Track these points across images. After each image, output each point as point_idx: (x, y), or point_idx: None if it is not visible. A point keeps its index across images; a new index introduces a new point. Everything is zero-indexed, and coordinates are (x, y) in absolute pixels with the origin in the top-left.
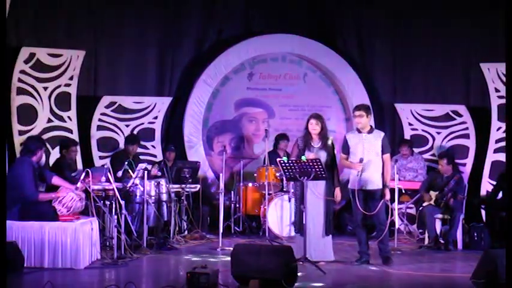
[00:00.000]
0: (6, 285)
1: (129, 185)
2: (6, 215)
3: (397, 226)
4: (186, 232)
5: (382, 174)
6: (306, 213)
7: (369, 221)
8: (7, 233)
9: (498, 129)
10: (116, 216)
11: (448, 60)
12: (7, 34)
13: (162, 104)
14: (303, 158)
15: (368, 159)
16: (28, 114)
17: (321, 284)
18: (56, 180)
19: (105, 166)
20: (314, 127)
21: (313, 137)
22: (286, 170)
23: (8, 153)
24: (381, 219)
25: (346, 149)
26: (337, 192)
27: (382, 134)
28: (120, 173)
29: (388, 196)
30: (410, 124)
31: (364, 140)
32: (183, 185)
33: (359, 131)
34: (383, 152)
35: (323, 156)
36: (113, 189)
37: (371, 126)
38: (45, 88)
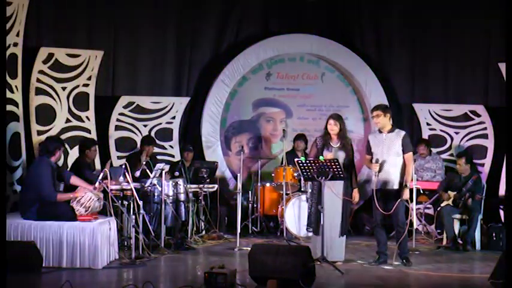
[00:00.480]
0: (6, 285)
1: (147, 185)
2: (6, 214)
3: (415, 226)
4: (203, 232)
5: (404, 174)
6: (324, 213)
7: (388, 221)
8: (26, 233)
9: None
10: (134, 216)
11: (466, 60)
12: (26, 34)
13: (180, 104)
14: (321, 158)
15: (387, 159)
16: (46, 114)
17: (338, 284)
18: (74, 180)
19: (123, 166)
20: (332, 127)
21: (332, 137)
22: (303, 170)
23: (27, 154)
24: (399, 220)
25: (369, 149)
26: (355, 193)
27: (403, 133)
28: (138, 173)
29: (406, 196)
30: (428, 124)
31: (384, 140)
32: (201, 185)
33: (380, 131)
34: (404, 152)
35: (341, 156)
36: (131, 189)
37: (392, 125)
38: (64, 88)
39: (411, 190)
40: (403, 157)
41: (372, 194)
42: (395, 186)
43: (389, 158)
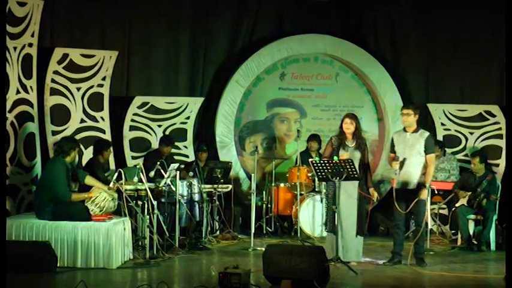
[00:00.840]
0: (6, 285)
1: (161, 185)
2: (6, 214)
3: (429, 227)
4: (218, 232)
5: (424, 174)
6: (338, 213)
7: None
8: (40, 233)
9: None
10: (148, 216)
11: (481, 60)
12: (41, 35)
13: (194, 104)
14: (335, 158)
15: (409, 158)
16: (61, 115)
17: (353, 285)
18: (89, 180)
19: (137, 166)
20: (348, 126)
21: (347, 136)
22: (318, 170)
23: (42, 154)
24: (419, 219)
25: (392, 148)
26: (372, 191)
27: (427, 134)
28: (152, 173)
29: (423, 196)
30: (443, 124)
31: (408, 140)
32: (215, 185)
33: (405, 131)
34: (426, 152)
35: (357, 156)
36: (145, 189)
37: (417, 125)
38: (78, 88)
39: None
40: (425, 158)
41: (392, 194)
42: (416, 187)
43: (411, 158)
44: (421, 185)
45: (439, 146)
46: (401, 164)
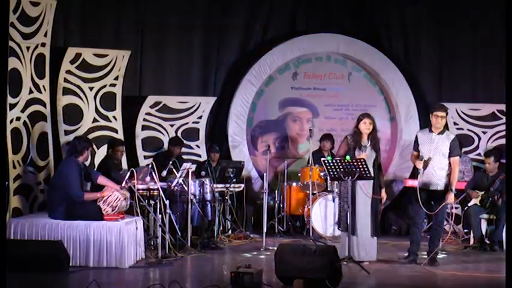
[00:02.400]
0: (6, 285)
1: (174, 184)
2: (6, 214)
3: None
4: (230, 232)
5: (449, 176)
6: (350, 213)
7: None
8: (53, 232)
9: None
10: (160, 216)
11: (494, 59)
12: (54, 35)
13: (207, 103)
14: (348, 157)
15: (433, 159)
16: (74, 114)
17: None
18: (101, 180)
19: (149, 165)
20: (368, 126)
21: (363, 136)
22: (330, 170)
23: (54, 153)
24: (438, 219)
25: (416, 146)
26: (383, 193)
27: (453, 136)
28: (164, 173)
29: (450, 200)
30: (455, 124)
31: (433, 140)
32: (227, 185)
33: (431, 131)
34: (451, 155)
35: (373, 156)
36: (158, 189)
37: (444, 127)
38: (91, 88)
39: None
40: (449, 160)
41: (415, 193)
42: (439, 188)
43: (435, 159)
44: (447, 188)
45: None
46: (425, 163)
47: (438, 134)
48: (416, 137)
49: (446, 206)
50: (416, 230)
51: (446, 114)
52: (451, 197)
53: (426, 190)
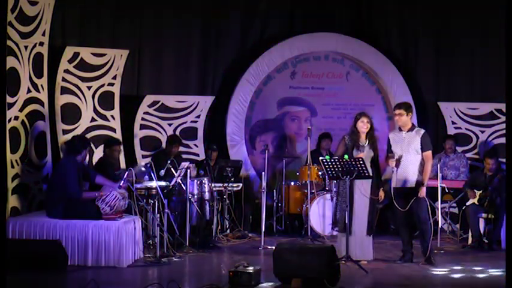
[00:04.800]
0: (6, 285)
1: (172, 183)
2: (6, 214)
3: (440, 225)
4: (228, 231)
5: (422, 172)
6: (349, 212)
7: (410, 219)
8: (51, 232)
9: None
10: (158, 215)
11: (492, 58)
12: (52, 34)
13: (205, 103)
14: (346, 156)
15: (406, 157)
16: (72, 114)
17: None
18: (99, 179)
19: (147, 165)
20: (365, 125)
21: (361, 135)
22: (328, 169)
23: (52, 152)
24: (421, 217)
25: (389, 147)
26: (381, 192)
27: (422, 131)
28: (162, 172)
29: (422, 194)
30: (453, 123)
31: (404, 138)
32: (226, 184)
33: (400, 130)
34: (422, 150)
35: (371, 155)
36: (156, 188)
37: (412, 124)
38: (89, 87)
39: (436, 189)
40: (422, 155)
41: (390, 193)
42: (414, 185)
43: (408, 156)
44: (419, 183)
45: (453, 141)
46: (398, 162)
47: (408, 131)
48: (388, 139)
49: (425, 200)
50: (402, 228)
51: (407, 111)
52: (422, 191)
53: (402, 188)
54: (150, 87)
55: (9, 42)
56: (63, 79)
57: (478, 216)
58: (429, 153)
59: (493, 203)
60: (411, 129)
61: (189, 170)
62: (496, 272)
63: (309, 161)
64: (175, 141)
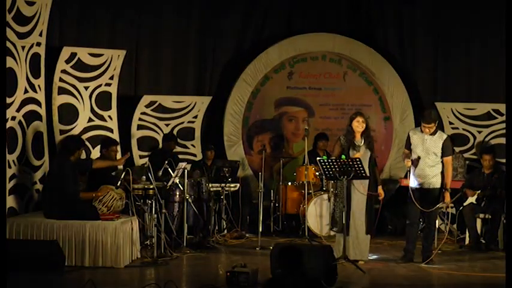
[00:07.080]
0: (6, 285)
1: (169, 184)
2: (6, 214)
3: (437, 226)
4: (225, 231)
5: (442, 175)
6: (347, 212)
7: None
8: (48, 232)
9: None
10: (156, 215)
11: (489, 59)
12: (49, 34)
13: (202, 103)
14: (343, 157)
15: (425, 159)
16: (69, 114)
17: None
18: (97, 163)
19: (145, 165)
20: (360, 124)
21: (356, 135)
22: (325, 169)
23: (49, 153)
24: (431, 219)
25: (407, 144)
26: (380, 190)
27: (445, 136)
28: (160, 172)
29: (447, 199)
30: (451, 123)
31: (425, 140)
32: (223, 184)
33: (422, 131)
34: (443, 155)
35: (367, 155)
36: (153, 188)
37: (436, 128)
38: (86, 87)
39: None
40: (442, 160)
41: (409, 192)
42: (432, 186)
43: (427, 158)
44: (441, 188)
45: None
46: (414, 162)
47: (430, 134)
48: (408, 136)
49: (439, 207)
50: (412, 229)
51: (435, 122)
52: (447, 196)
53: (420, 189)
54: (147, 87)
55: (6, 43)
56: (61, 79)
57: (475, 216)
58: (449, 158)
59: (491, 203)
60: (434, 133)
61: (186, 170)
62: (493, 272)
63: (306, 162)
64: (170, 138)
